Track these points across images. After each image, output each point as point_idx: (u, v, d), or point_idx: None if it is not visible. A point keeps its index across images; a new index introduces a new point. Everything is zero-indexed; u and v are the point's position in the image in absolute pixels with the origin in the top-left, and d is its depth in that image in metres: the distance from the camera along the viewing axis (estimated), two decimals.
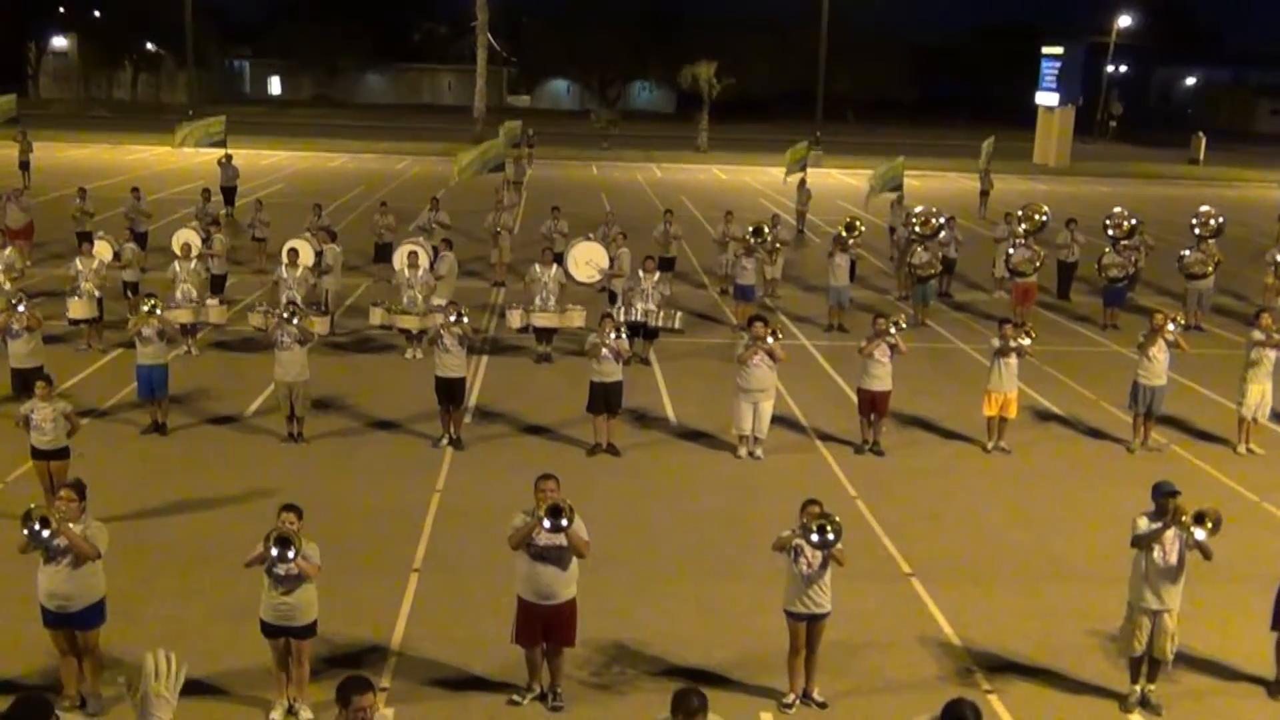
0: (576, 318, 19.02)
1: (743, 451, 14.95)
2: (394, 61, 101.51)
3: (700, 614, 10.83)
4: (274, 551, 8.42)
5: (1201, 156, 65.37)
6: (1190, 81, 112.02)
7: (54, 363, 15.54)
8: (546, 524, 8.63)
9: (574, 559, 8.99)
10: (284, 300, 16.78)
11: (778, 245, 23.79)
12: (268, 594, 8.65)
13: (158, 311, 14.89)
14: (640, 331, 18.55)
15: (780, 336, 14.96)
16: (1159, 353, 15.43)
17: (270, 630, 8.75)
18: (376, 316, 19.03)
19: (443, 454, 14.67)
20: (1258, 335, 15.63)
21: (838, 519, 8.94)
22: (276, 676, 8.91)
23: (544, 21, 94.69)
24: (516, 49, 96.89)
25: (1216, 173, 59.99)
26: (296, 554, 8.43)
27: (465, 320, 14.98)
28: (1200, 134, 67.44)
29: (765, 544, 10.25)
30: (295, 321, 14.61)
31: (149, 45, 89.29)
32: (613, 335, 14.73)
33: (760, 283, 22.98)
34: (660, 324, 18.70)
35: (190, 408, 15.95)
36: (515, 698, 9.22)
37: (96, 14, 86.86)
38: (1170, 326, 15.47)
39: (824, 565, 9.07)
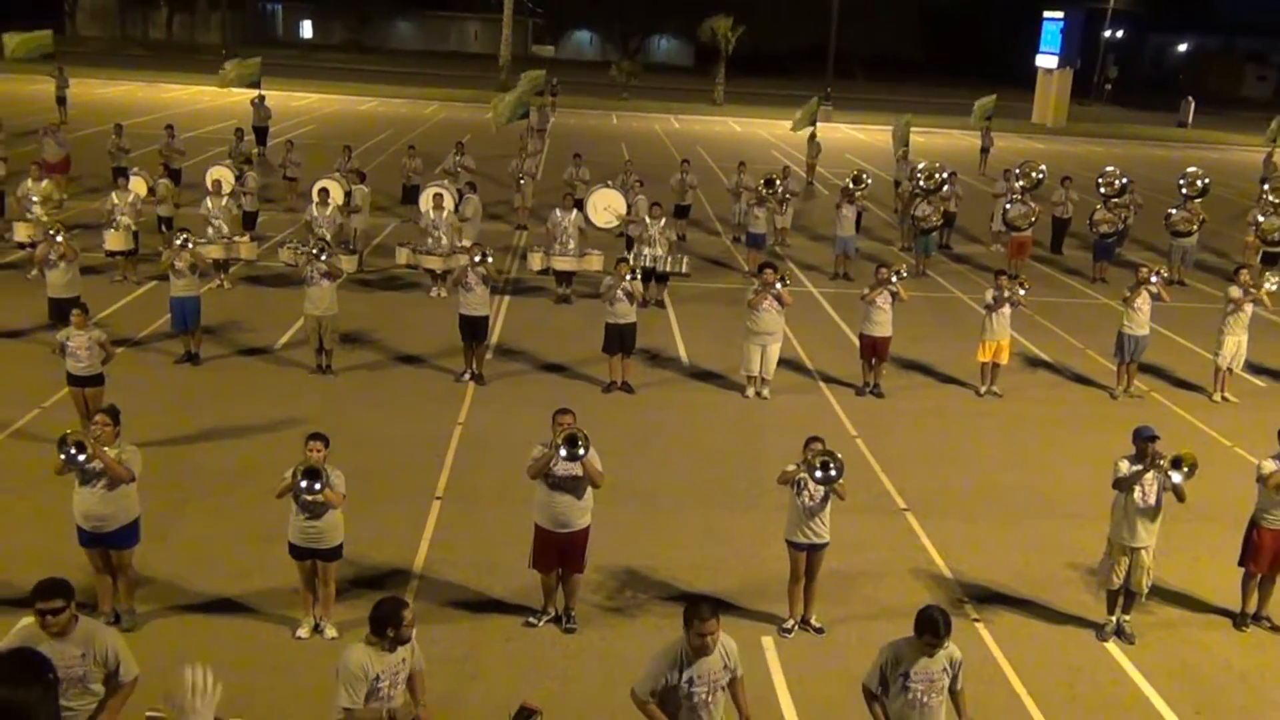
0: (595, 262, 18.87)
1: (750, 391, 14.87)
2: (422, 9, 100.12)
3: (707, 543, 10.82)
4: (302, 484, 8.39)
5: (1190, 120, 64.53)
6: (1182, 48, 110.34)
7: (90, 293, 15.44)
8: (563, 453, 8.61)
9: (589, 489, 8.96)
10: (314, 238, 16.65)
11: (788, 196, 23.54)
12: (296, 518, 8.63)
13: (190, 246, 14.78)
14: (651, 276, 18.40)
15: (788, 283, 14.82)
16: (1143, 304, 15.40)
17: (298, 552, 8.74)
18: (403, 256, 18.90)
19: (465, 388, 14.61)
20: (1235, 291, 15.63)
21: (839, 455, 8.90)
22: (304, 596, 8.92)
23: None
24: (542, 0, 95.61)
25: (1204, 135, 59.22)
26: (324, 486, 8.40)
27: (489, 261, 14.86)
28: (1189, 98, 66.50)
29: (770, 478, 10.24)
30: (325, 258, 14.50)
31: None
32: (628, 278, 14.60)
33: (771, 231, 22.76)
34: (669, 269, 18.55)
35: (222, 339, 15.89)
36: (531, 620, 9.23)
37: None
38: (1153, 278, 15.40)
39: (825, 499, 9.06)
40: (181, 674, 3.21)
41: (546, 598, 9.27)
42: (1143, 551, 9.35)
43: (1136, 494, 9.24)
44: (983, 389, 15.48)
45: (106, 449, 8.49)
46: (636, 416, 14.07)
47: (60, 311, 14.26)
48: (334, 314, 14.70)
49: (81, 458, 8.38)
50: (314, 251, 14.64)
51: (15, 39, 32.92)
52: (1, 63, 35.52)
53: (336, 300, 14.78)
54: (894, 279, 14.92)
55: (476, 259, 14.71)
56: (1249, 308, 15.58)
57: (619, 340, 14.73)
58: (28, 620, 6.19)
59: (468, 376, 14.85)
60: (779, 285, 14.36)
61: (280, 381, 14.58)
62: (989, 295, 15.29)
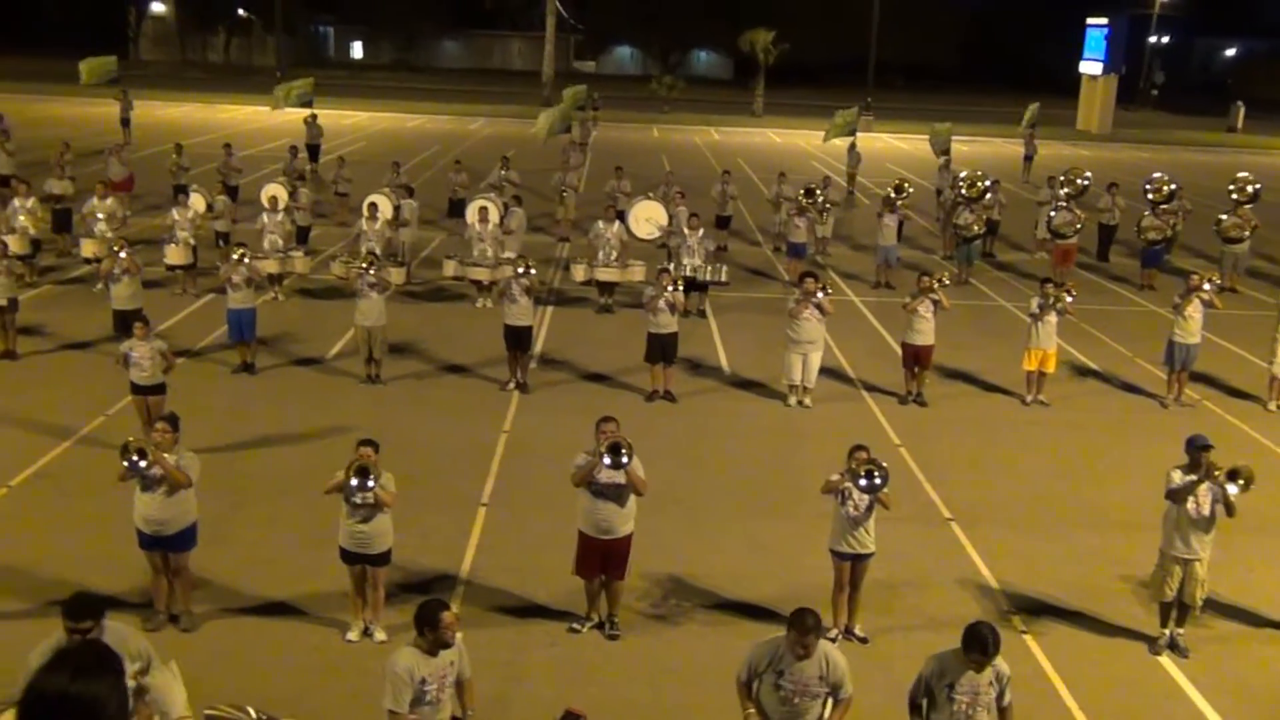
0: (637, 272, 18.93)
1: (792, 400, 14.80)
2: (468, 28, 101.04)
3: (749, 551, 10.77)
4: (354, 481, 8.45)
5: (1240, 125, 63.49)
6: (1230, 52, 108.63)
7: (151, 306, 15.69)
8: (607, 461, 8.61)
9: (632, 497, 8.96)
10: (364, 251, 16.82)
11: (828, 205, 23.43)
12: (346, 522, 8.70)
13: (246, 260, 15.02)
14: (692, 286, 18.41)
15: (829, 292, 14.75)
16: (1194, 311, 15.07)
17: (349, 557, 8.81)
18: (450, 268, 19.05)
19: (510, 397, 14.67)
20: None
21: (884, 464, 8.82)
22: (354, 601, 8.98)
23: None
24: (583, 16, 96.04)
25: (1254, 141, 58.24)
26: (375, 483, 8.45)
27: (533, 273, 14.95)
28: (1239, 103, 65.43)
29: (812, 487, 10.16)
30: (374, 271, 14.64)
31: (240, 11, 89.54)
32: (669, 289, 14.59)
33: (812, 241, 22.67)
34: (708, 279, 18.58)
35: (277, 350, 16.09)
36: (575, 626, 9.23)
37: None
38: (1206, 286, 15.08)
39: (869, 508, 8.98)
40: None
41: (590, 604, 9.27)
42: (1196, 564, 9.12)
43: (1189, 505, 9.02)
44: (1029, 398, 15.29)
45: (166, 455, 8.63)
46: (679, 425, 14.05)
47: (124, 323, 14.50)
48: (383, 325, 14.84)
49: (143, 464, 8.53)
50: (363, 265, 14.80)
51: (88, 66, 33.89)
52: (72, 88, 36.34)
53: (386, 311, 14.91)
54: (936, 287, 14.80)
55: (520, 271, 14.79)
56: None
57: (661, 350, 14.72)
58: (52, 640, 6.21)
59: (512, 385, 14.92)
60: (820, 294, 14.30)
61: (332, 390, 14.73)
62: (1034, 303, 15.11)
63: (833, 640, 9.16)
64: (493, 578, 9.96)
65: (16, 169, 24.50)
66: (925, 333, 14.85)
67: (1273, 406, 15.44)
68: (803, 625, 6.49)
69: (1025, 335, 15.24)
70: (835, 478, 9.05)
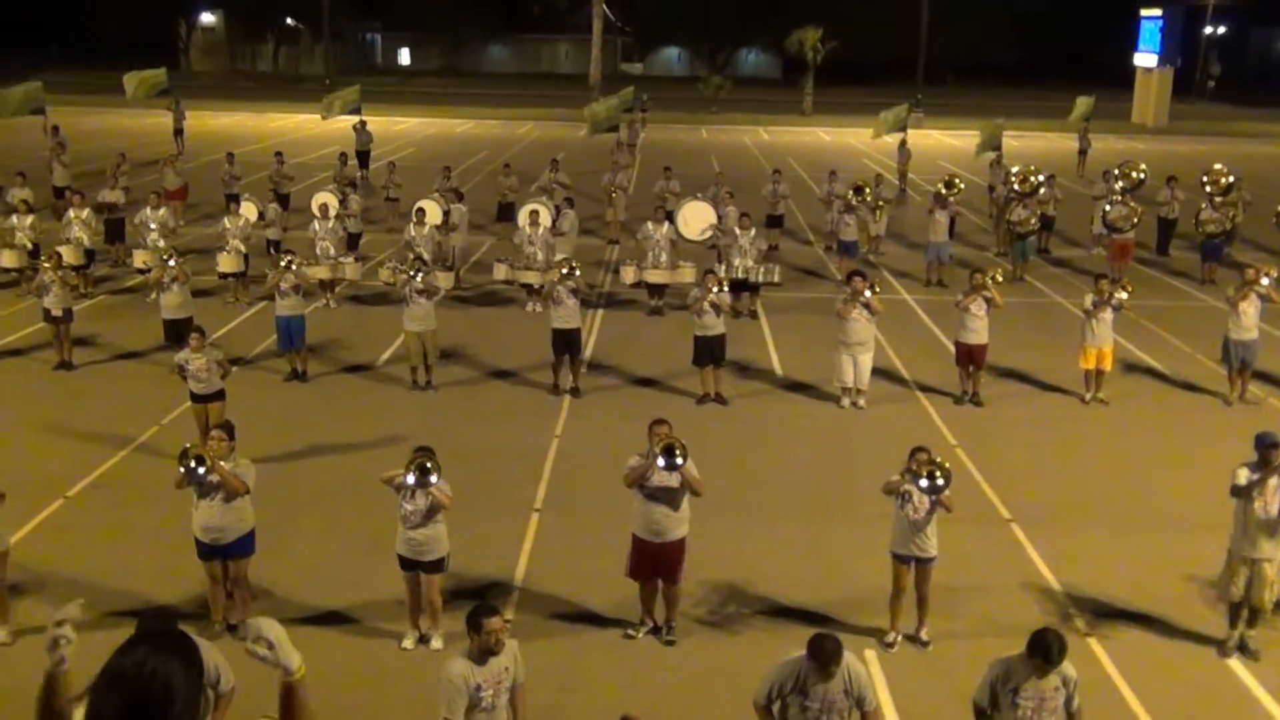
0: (687, 274, 18.82)
1: (845, 402, 14.64)
2: (515, 32, 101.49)
3: (806, 555, 10.64)
4: (410, 478, 8.42)
5: None
6: None
7: (203, 315, 15.87)
8: (661, 463, 8.54)
9: (685, 500, 8.88)
10: (412, 257, 16.87)
11: (881, 203, 23.20)
12: (403, 529, 8.70)
13: (294, 267, 15.10)
14: (743, 287, 18.28)
15: (878, 291, 14.55)
16: (1249, 307, 14.67)
17: (405, 564, 8.81)
18: (500, 272, 19.07)
19: (561, 402, 14.64)
20: None
21: (946, 465, 8.67)
22: (410, 607, 8.98)
23: None
24: (629, 18, 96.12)
25: None
26: (437, 478, 8.41)
27: (578, 274, 14.90)
28: None
29: (868, 489, 10.03)
30: (420, 277, 14.67)
31: (288, 20, 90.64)
32: (715, 290, 14.46)
33: (865, 239, 22.46)
34: (760, 279, 18.41)
35: (327, 357, 16.18)
36: (630, 631, 9.17)
37: None
38: (1264, 280, 14.67)
39: (931, 510, 8.82)
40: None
41: (644, 609, 9.20)
42: (1265, 564, 8.86)
43: (1257, 504, 8.77)
44: (1087, 396, 15.00)
45: (222, 463, 8.69)
46: (732, 428, 13.94)
47: (175, 332, 14.70)
48: (433, 330, 14.86)
49: (200, 470, 8.59)
50: (411, 271, 14.84)
51: (133, 80, 34.44)
52: (124, 100, 37.00)
53: (435, 316, 14.94)
54: (988, 284, 14.55)
55: (565, 273, 14.76)
56: None
57: (709, 352, 14.61)
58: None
59: (559, 391, 14.86)
60: (868, 293, 14.12)
61: (382, 397, 14.79)
62: (1088, 300, 14.82)
63: (890, 645, 9.04)
64: (547, 584, 9.93)
65: (71, 180, 24.91)
66: (979, 331, 14.62)
67: None
68: (824, 656, 6.31)
69: (1080, 333, 14.96)
70: (895, 479, 8.91)
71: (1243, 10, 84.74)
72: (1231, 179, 22.80)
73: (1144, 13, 59.03)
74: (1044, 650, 6.39)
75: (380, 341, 16.81)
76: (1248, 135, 54.19)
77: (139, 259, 19.05)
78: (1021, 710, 6.45)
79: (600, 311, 18.94)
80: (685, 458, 8.57)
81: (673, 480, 8.71)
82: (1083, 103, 39.04)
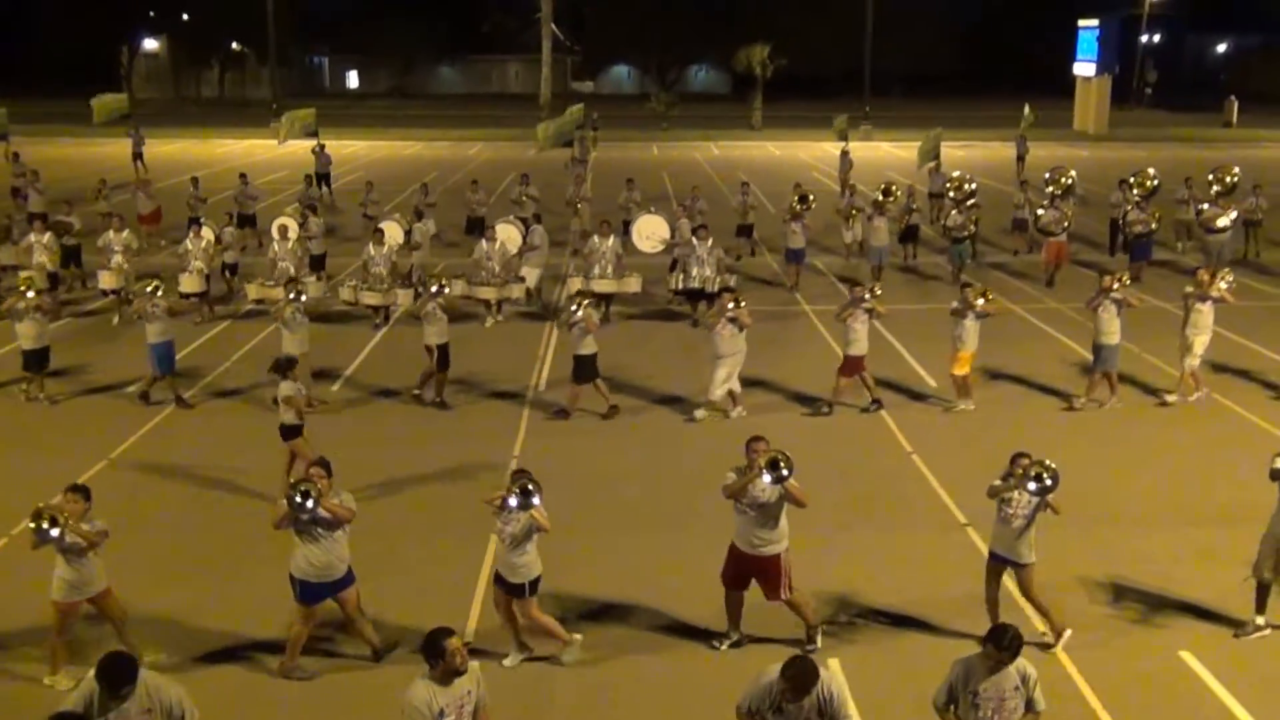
0: (633, 283, 19.38)
1: (735, 412, 14.58)
2: (464, 53, 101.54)
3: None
4: (513, 501, 8.45)
5: (1235, 119, 63.74)
6: (1221, 48, 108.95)
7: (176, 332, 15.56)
8: (768, 478, 8.59)
9: (783, 518, 8.95)
10: (371, 276, 17.11)
11: (854, 211, 23.79)
12: (503, 551, 8.71)
13: (160, 292, 14.93)
14: (700, 295, 18.56)
15: (742, 305, 14.43)
16: (1104, 313, 14.75)
17: (505, 586, 8.80)
18: (458, 288, 19.22)
19: (520, 419, 14.64)
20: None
21: (1053, 466, 8.76)
22: (510, 629, 8.95)
23: (605, 8, 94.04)
24: (579, 37, 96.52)
25: (1249, 134, 58.33)
26: (539, 501, 8.45)
27: (447, 290, 15.16)
28: (1232, 98, 65.71)
29: (836, 496, 10.08)
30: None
31: (234, 44, 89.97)
32: (579, 311, 14.27)
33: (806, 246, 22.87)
34: (717, 289, 18.69)
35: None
36: (714, 643, 9.19)
37: (185, 16, 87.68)
38: (1116, 286, 14.80)
39: (1032, 514, 8.90)
40: None
41: (731, 621, 9.25)
42: None
43: None
44: (964, 405, 15.04)
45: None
46: (699, 441, 14.07)
47: (35, 362, 14.80)
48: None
49: (310, 505, 8.34)
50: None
51: (98, 104, 34.47)
52: (80, 127, 36.98)
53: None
54: (867, 297, 14.62)
55: (435, 289, 14.89)
56: None
57: (583, 371, 14.51)
58: (89, 676, 6.34)
59: (431, 401, 14.88)
60: (732, 307, 14.17)
61: (332, 418, 14.75)
62: (954, 304, 14.91)
63: (1051, 646, 9.18)
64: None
65: (47, 206, 24.75)
66: (859, 343, 14.59)
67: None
68: (800, 680, 6.29)
69: (955, 340, 14.78)
70: (999, 483, 9.02)
71: (1177, 18, 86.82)
72: (1157, 182, 23.70)
73: (1081, 23, 60.43)
74: (994, 637, 6.55)
75: (343, 361, 16.85)
76: (1184, 140, 55.43)
77: (105, 280, 19.07)
78: (982, 711, 6.55)
79: (551, 324, 19.07)
80: (791, 470, 8.63)
81: (769, 495, 8.79)
82: (1029, 111, 40.32)
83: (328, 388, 15.76)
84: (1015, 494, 8.89)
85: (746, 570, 9.04)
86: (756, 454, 8.75)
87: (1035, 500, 8.84)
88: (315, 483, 8.46)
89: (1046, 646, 9.18)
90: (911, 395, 15.54)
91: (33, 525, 8.22)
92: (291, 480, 8.70)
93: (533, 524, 8.57)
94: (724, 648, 9.20)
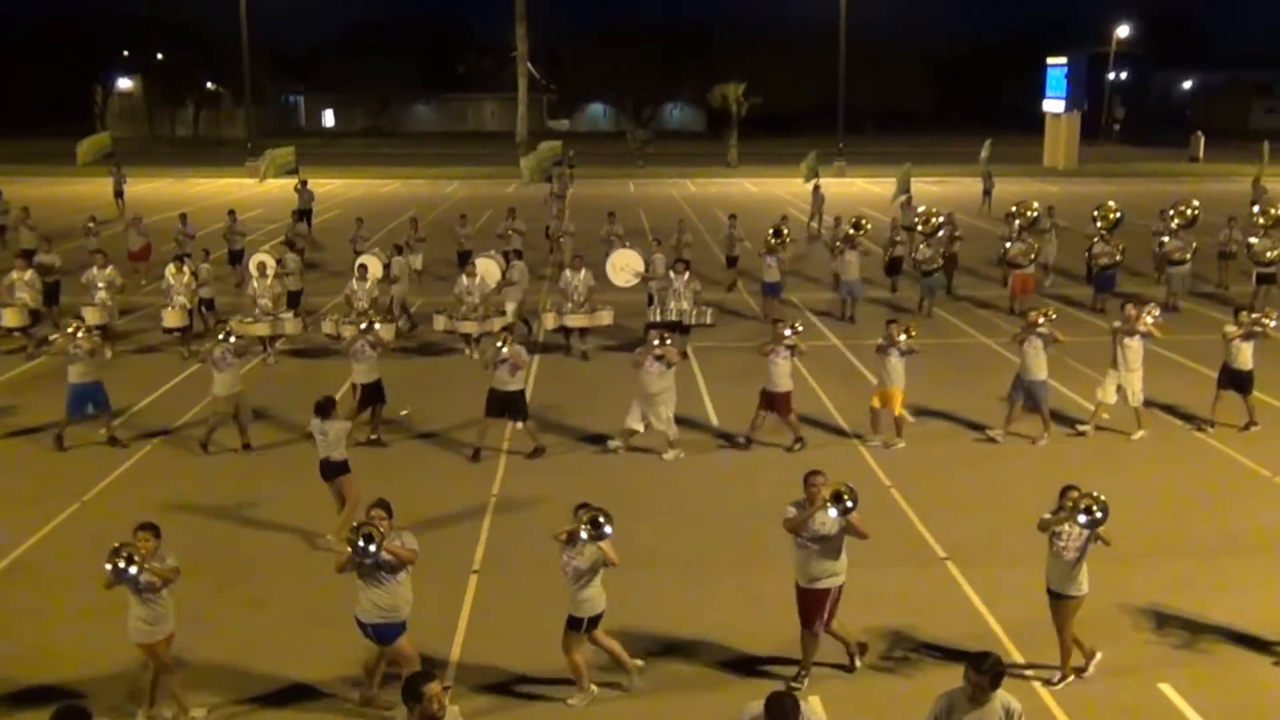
0: (606, 316, 19.58)
1: (669, 455, 14.49)
2: (440, 92, 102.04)
3: (750, 603, 10.73)
4: (584, 534, 8.36)
5: (1201, 154, 64.78)
6: (1187, 85, 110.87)
7: (155, 368, 15.50)
8: (834, 511, 8.58)
9: (844, 549, 8.94)
10: (355, 312, 17.26)
11: (855, 245, 23.48)
12: (573, 589, 8.62)
13: (82, 332, 14.47)
14: (676, 328, 18.62)
15: (670, 343, 14.53)
16: (1029, 348, 14.79)
17: (579, 623, 8.72)
18: (439, 323, 19.40)
19: (497, 458, 14.59)
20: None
21: (1103, 499, 8.75)
22: (576, 668, 8.88)
23: (581, 48, 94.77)
24: (555, 76, 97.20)
25: (1215, 169, 59.21)
26: (603, 537, 8.35)
27: (377, 329, 15.09)
28: (1199, 133, 66.81)
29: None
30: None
31: (209, 84, 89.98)
32: (504, 349, 14.08)
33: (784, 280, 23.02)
34: (694, 321, 19.04)
35: (272, 414, 15.89)
36: (794, 684, 9.00)
37: (159, 56, 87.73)
38: (1040, 321, 14.87)
39: (1084, 547, 8.90)
40: None
41: (804, 656, 9.18)
42: None
43: None
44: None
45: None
46: (680, 475, 14.06)
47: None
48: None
49: (372, 549, 8.16)
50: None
51: (84, 145, 34.63)
52: (59, 167, 37.05)
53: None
54: (788, 333, 14.52)
55: (364, 327, 14.84)
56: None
57: (500, 408, 14.36)
58: None
59: (370, 438, 14.71)
60: (659, 345, 14.22)
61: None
62: (879, 341, 14.97)
63: (1053, 683, 9.17)
64: (488, 648, 9.63)
65: (39, 243, 24.54)
66: (782, 379, 14.50)
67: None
68: (781, 715, 6.19)
69: (883, 377, 14.88)
70: (1048, 516, 9.03)
71: (1144, 56, 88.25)
72: (1119, 214, 24.30)
73: (1050, 60, 61.32)
74: (973, 662, 6.51)
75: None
76: (1151, 175, 56.11)
77: (91, 316, 18.58)
78: None
79: (537, 357, 19.08)
80: (855, 503, 8.60)
81: (832, 527, 8.76)
82: (987, 146, 41.01)
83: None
84: (1065, 527, 8.89)
85: (807, 602, 9.03)
86: (816, 487, 8.74)
87: (1086, 533, 8.83)
88: (377, 525, 8.23)
89: (1081, 671, 9.21)
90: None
91: (108, 565, 8.08)
92: (354, 524, 8.41)
93: (600, 557, 8.44)
94: (805, 684, 9.04)
